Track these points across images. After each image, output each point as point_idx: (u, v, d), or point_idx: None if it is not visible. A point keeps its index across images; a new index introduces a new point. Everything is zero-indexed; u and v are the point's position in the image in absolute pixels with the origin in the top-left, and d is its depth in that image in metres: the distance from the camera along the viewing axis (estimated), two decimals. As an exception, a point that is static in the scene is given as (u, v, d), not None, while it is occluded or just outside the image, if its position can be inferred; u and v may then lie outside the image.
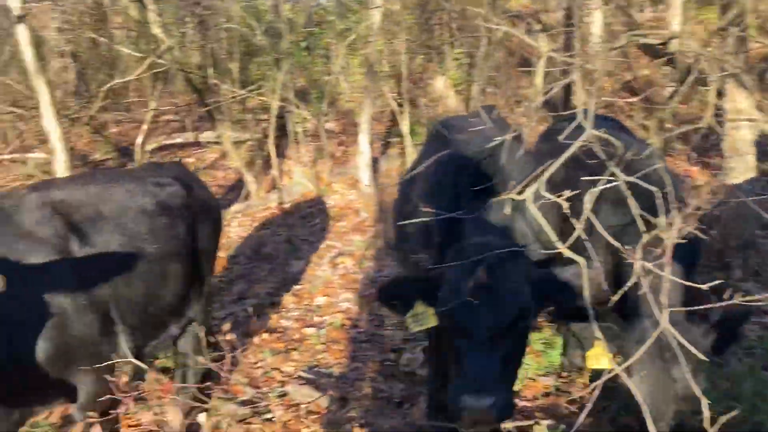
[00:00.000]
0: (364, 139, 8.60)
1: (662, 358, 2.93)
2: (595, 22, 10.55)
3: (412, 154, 8.25)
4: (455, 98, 10.50)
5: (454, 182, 3.42)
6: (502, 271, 2.76)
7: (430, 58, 11.57)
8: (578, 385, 4.46)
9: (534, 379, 4.54)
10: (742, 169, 5.37)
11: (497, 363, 2.68)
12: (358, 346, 5.25)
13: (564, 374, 4.62)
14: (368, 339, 5.35)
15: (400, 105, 9.31)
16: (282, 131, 9.67)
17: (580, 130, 3.10)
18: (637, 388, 2.64)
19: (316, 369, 4.97)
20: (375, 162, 9.13)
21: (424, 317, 2.95)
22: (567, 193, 2.95)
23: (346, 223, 7.94)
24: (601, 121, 4.12)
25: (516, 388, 4.25)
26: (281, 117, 9.52)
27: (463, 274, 2.74)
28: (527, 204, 2.95)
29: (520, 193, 2.95)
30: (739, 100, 5.22)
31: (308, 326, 5.63)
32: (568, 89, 8.97)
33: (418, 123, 10.05)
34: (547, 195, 2.79)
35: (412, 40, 9.87)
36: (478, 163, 3.50)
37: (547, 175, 3.05)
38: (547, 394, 4.39)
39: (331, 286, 6.36)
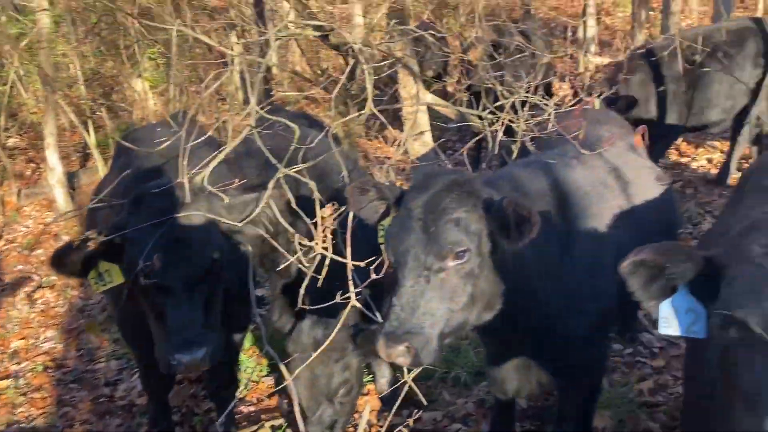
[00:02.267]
0: (52, 155, 7.76)
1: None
2: (287, 15, 10.81)
3: (104, 168, 7.64)
4: (154, 100, 10.00)
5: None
6: (187, 226, 2.80)
7: (124, 60, 10.87)
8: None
9: (257, 381, 4.53)
10: (419, 145, 5.92)
11: (199, 314, 2.77)
12: (65, 388, 4.75)
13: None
14: (78, 378, 4.87)
15: (93, 113, 8.60)
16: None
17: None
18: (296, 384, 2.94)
19: (16, 426, 4.38)
20: (72, 177, 8.32)
21: (109, 275, 2.85)
22: (236, 182, 3.11)
23: (43, 251, 7.12)
24: (291, 116, 4.26)
25: (240, 393, 4.24)
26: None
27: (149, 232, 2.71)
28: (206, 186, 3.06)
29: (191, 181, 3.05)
30: (410, 86, 5.72)
31: (3, 378, 4.95)
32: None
33: (117, 129, 9.41)
34: (209, 188, 3.00)
35: (96, 41, 9.12)
36: (161, 176, 3.40)
37: (213, 165, 3.14)
38: (272, 395, 4.39)
39: (30, 326, 5.67)
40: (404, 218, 2.43)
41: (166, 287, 2.74)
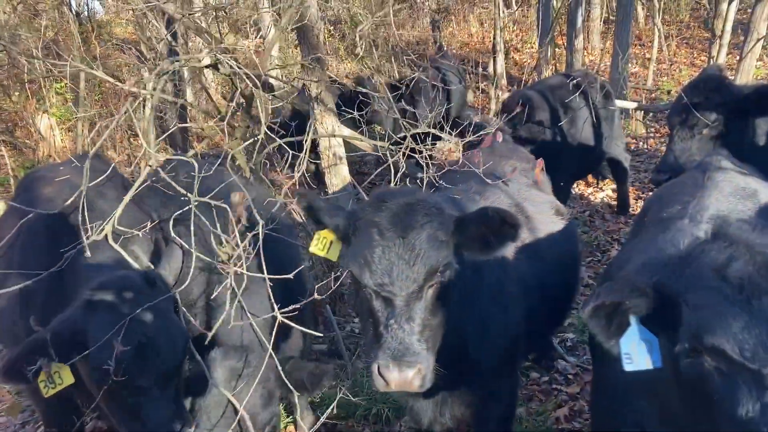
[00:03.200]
0: (-52, 196, 7.31)
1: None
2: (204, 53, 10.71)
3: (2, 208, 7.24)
4: (62, 137, 9.63)
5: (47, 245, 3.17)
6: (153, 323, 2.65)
7: (28, 95, 10.44)
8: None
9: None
10: (338, 181, 5.94)
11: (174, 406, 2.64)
12: None
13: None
14: None
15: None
16: None
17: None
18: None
19: None
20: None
21: (59, 377, 2.63)
22: (149, 225, 3.06)
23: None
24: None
25: None
26: None
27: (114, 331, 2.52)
28: (109, 241, 3.02)
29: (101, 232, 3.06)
30: (327, 122, 5.75)
31: None
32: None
33: (20, 167, 8.98)
34: (122, 229, 3.03)
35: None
36: (63, 219, 3.28)
37: (118, 212, 3.08)
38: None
39: None
40: (376, 236, 2.38)
41: (141, 387, 2.60)
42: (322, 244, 2.67)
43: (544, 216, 3.36)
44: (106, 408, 2.74)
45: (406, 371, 2.23)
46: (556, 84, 6.64)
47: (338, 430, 4.16)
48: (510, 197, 3.26)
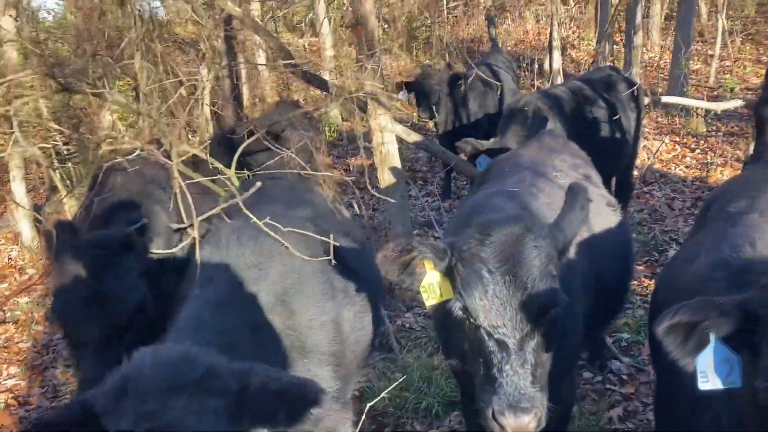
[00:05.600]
0: (19, 188, 7.66)
1: None
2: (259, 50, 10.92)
3: (69, 200, 7.53)
4: (124, 133, 9.92)
5: None
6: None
7: (93, 92, 10.81)
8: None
9: None
10: (390, 177, 5.95)
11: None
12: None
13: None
14: (42, 415, 4.74)
15: (65, 144, 8.51)
16: None
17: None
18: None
19: (-24, 466, 4.25)
20: (39, 209, 8.19)
21: None
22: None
23: (8, 285, 6.97)
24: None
25: None
26: None
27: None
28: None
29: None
30: (381, 118, 5.77)
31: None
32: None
33: (88, 161, 9.31)
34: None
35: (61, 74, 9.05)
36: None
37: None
38: None
39: (-8, 362, 5.52)
40: (486, 274, 2.28)
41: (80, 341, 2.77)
42: (432, 291, 2.48)
43: (596, 209, 3.30)
44: None
45: (523, 417, 2.17)
46: (576, 87, 6.38)
47: (387, 423, 4.19)
48: (563, 190, 3.22)
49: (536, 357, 2.28)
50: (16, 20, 7.69)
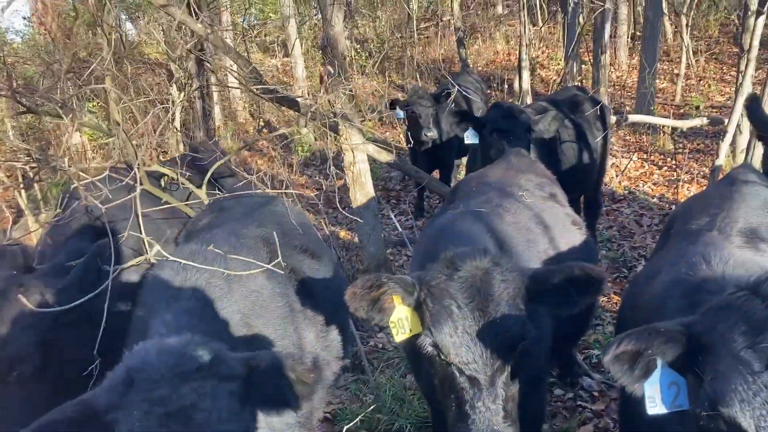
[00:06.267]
0: (-16, 211, 7.49)
1: None
2: (233, 69, 10.92)
3: (34, 224, 7.42)
4: (92, 154, 9.85)
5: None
6: None
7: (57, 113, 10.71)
8: None
9: None
10: (362, 197, 5.97)
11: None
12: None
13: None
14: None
15: (32, 167, 8.37)
16: None
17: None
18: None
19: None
20: (3, 234, 8.02)
21: None
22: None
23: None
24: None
25: None
26: None
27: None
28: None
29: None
30: (352, 138, 5.80)
31: None
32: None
33: (56, 184, 9.19)
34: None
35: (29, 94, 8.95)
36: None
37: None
38: None
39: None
40: (455, 310, 2.26)
41: None
42: (401, 326, 2.44)
43: (562, 227, 3.34)
44: None
45: None
46: (542, 108, 6.43)
47: (361, 445, 4.15)
48: (529, 209, 3.26)
49: (507, 391, 2.28)
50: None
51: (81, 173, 4.21)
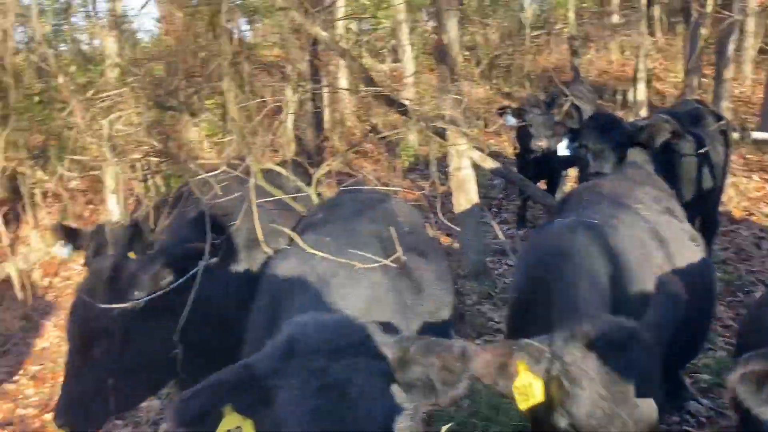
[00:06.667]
0: (112, 200, 8.08)
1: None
2: (341, 75, 11.23)
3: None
4: (209, 149, 10.37)
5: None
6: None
7: (183, 109, 11.34)
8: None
9: None
10: (465, 203, 5.98)
11: None
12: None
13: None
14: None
15: (157, 158, 8.94)
16: (16, 194, 8.76)
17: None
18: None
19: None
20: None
21: None
22: None
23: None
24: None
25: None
26: (13, 178, 8.63)
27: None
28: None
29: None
30: (459, 144, 5.82)
31: (51, 412, 5.06)
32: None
33: (173, 177, 9.75)
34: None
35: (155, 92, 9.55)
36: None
37: None
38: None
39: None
40: (595, 399, 2.20)
41: None
42: (530, 395, 2.31)
43: (679, 242, 3.21)
44: None
45: None
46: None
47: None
48: (645, 221, 3.16)
49: None
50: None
51: (200, 169, 4.43)
